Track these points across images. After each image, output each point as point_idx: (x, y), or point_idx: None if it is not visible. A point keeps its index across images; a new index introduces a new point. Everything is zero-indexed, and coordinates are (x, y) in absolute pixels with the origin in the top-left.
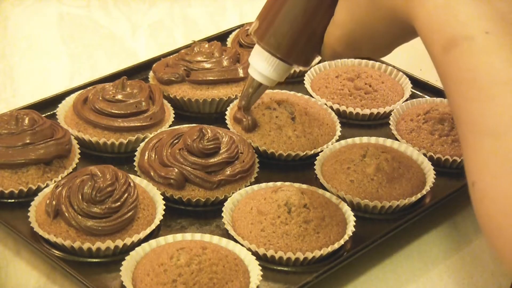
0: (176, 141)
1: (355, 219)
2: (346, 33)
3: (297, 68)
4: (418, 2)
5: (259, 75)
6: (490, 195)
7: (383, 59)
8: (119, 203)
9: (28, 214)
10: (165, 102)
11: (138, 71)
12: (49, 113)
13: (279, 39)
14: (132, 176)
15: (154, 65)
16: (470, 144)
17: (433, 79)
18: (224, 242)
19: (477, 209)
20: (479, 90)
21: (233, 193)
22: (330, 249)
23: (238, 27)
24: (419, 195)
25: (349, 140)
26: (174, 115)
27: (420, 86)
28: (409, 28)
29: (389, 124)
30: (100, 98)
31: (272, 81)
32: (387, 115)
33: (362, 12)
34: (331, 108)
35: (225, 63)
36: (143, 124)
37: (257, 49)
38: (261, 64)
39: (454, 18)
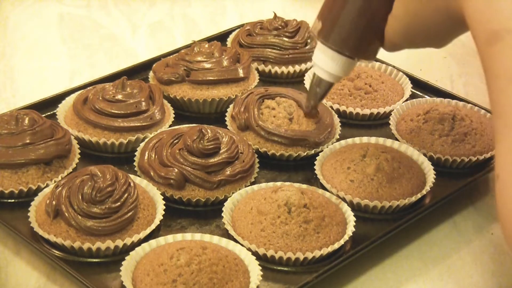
0: (176, 141)
1: (355, 219)
2: (403, 26)
3: (363, 63)
4: None
5: (326, 74)
6: (511, 188)
7: (383, 59)
8: (119, 203)
9: (28, 214)
10: (165, 102)
11: (138, 71)
12: (49, 113)
13: (345, 36)
14: (132, 176)
15: (154, 65)
16: (501, 137)
17: (433, 79)
18: (224, 242)
19: (498, 201)
20: None
21: (233, 193)
22: (330, 249)
23: (238, 27)
24: (419, 195)
25: (349, 140)
26: (174, 115)
27: (420, 86)
28: (461, 20)
29: (389, 124)
30: (100, 98)
31: (339, 78)
32: (387, 115)
33: (417, 5)
34: (331, 108)
35: (225, 63)
36: (143, 124)
37: (321, 48)
38: (328, 63)
39: (499, 12)
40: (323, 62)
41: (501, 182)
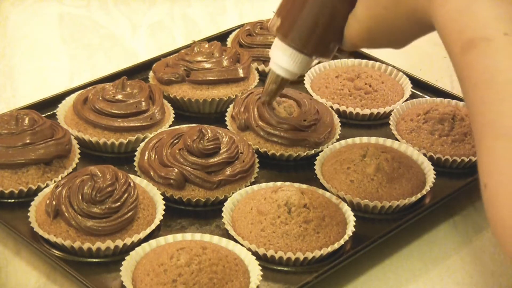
0: (176, 141)
1: (355, 219)
2: (365, 27)
3: (319, 60)
4: (438, 3)
5: (283, 70)
6: (501, 197)
7: (383, 59)
8: (119, 203)
9: (28, 214)
10: (165, 102)
11: (138, 71)
12: (49, 113)
13: (304, 35)
14: (132, 176)
15: (154, 65)
16: (483, 145)
17: (433, 79)
18: (224, 242)
19: (488, 211)
20: (495, 91)
21: (233, 193)
22: (330, 249)
23: (238, 27)
24: (419, 195)
25: (349, 140)
26: (174, 115)
27: (420, 86)
28: (427, 25)
29: (389, 124)
30: (100, 98)
31: (295, 74)
32: (387, 115)
33: (382, 9)
34: (331, 108)
35: (225, 63)
36: (143, 124)
37: (279, 45)
38: (285, 60)
39: (473, 20)
40: (281, 59)
41: (491, 192)
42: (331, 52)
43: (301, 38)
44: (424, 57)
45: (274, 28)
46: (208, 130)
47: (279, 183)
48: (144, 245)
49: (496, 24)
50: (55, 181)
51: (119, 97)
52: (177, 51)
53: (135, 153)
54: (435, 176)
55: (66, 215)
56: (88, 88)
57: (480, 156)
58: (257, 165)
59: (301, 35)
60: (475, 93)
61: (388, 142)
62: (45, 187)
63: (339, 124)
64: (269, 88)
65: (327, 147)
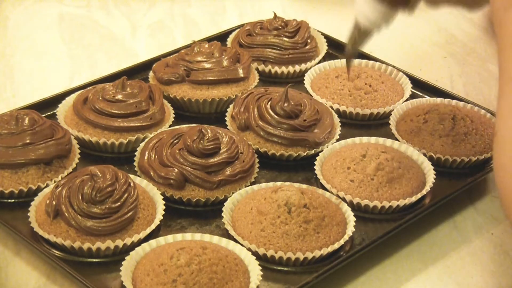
0: (176, 141)
1: (355, 219)
2: None
3: (402, 13)
4: None
5: (365, 19)
6: (508, 143)
7: (383, 59)
8: (119, 203)
9: (28, 214)
10: (165, 102)
11: (138, 71)
12: (49, 113)
13: None
14: (132, 176)
15: (154, 65)
16: (503, 93)
17: (433, 79)
18: (224, 242)
19: (495, 158)
20: None
21: (233, 193)
22: (330, 249)
23: (238, 27)
24: (419, 195)
25: (349, 140)
26: (174, 115)
27: (420, 86)
28: None
29: (389, 124)
30: (100, 98)
31: (376, 25)
32: (387, 115)
33: None
34: (331, 108)
35: (225, 63)
36: (143, 124)
37: None
38: (370, 11)
39: None
40: (365, 9)
41: (500, 139)
42: (413, 5)
43: None
44: (424, 57)
45: None
46: (208, 130)
47: (279, 183)
48: (144, 245)
49: None
50: (55, 181)
51: (119, 97)
52: (177, 51)
53: (135, 153)
54: (435, 176)
55: (66, 215)
56: (88, 88)
57: (499, 104)
58: (257, 165)
59: None
60: (510, 47)
61: (388, 142)
62: (45, 187)
63: (339, 124)
64: (353, 38)
65: (327, 147)
